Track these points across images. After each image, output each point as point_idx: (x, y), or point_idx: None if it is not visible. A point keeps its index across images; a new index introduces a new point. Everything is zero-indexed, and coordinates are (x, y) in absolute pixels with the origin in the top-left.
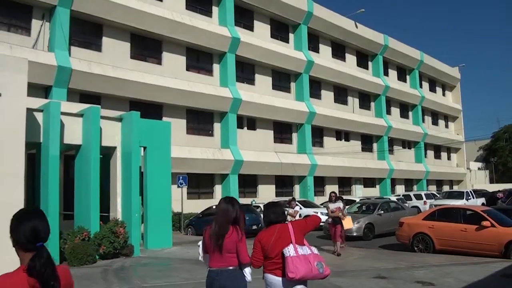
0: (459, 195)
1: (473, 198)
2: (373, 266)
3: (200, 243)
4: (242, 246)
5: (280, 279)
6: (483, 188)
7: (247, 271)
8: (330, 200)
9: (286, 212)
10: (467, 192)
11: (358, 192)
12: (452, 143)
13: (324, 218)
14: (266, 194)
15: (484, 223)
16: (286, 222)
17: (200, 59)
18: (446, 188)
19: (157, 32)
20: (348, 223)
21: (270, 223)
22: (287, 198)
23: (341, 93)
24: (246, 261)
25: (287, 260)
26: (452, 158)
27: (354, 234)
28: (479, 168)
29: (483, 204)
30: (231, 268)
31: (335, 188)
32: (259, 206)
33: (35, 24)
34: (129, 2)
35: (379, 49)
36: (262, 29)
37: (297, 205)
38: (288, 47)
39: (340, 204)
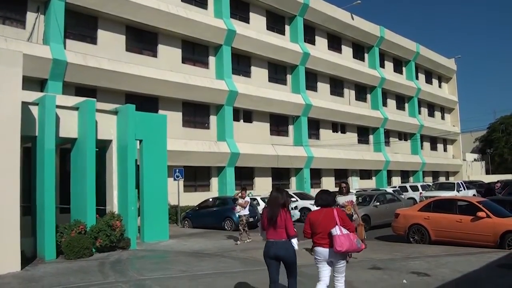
0: (450, 186)
1: (464, 189)
2: (368, 257)
3: (259, 223)
4: (289, 223)
5: (327, 249)
6: (479, 179)
7: (294, 241)
8: (340, 193)
9: (236, 202)
10: (458, 183)
11: (355, 184)
12: (448, 135)
13: None
14: (262, 186)
15: (480, 214)
16: (333, 207)
17: (195, 51)
18: (442, 179)
19: (152, 25)
20: (360, 232)
21: (319, 206)
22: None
23: (337, 85)
24: (293, 234)
25: (335, 238)
26: (448, 150)
27: None
28: (475, 160)
29: (474, 195)
30: (282, 239)
31: (331, 180)
32: (255, 199)
33: (30, 17)
34: None
35: (375, 41)
36: (258, 21)
37: (247, 195)
38: (284, 39)
39: (352, 197)
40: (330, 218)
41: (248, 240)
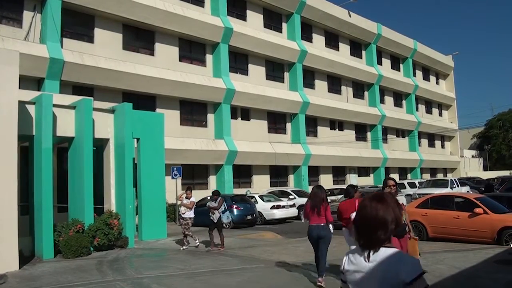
0: (443, 183)
1: (458, 186)
2: None
3: (302, 211)
4: (328, 212)
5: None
6: (477, 175)
7: (331, 226)
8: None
9: (180, 202)
10: (451, 180)
11: (353, 181)
12: (445, 131)
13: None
14: (260, 184)
15: (477, 210)
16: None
17: (193, 49)
18: (440, 176)
19: (149, 23)
20: (414, 248)
21: (346, 197)
22: (281, 188)
23: (334, 83)
24: (330, 220)
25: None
26: (446, 146)
27: None
28: (473, 156)
29: (467, 192)
30: (322, 224)
31: (329, 177)
32: (253, 196)
33: (27, 15)
34: None
35: (373, 38)
36: (255, 18)
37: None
38: (281, 37)
39: (403, 200)
40: (352, 206)
41: (197, 243)
